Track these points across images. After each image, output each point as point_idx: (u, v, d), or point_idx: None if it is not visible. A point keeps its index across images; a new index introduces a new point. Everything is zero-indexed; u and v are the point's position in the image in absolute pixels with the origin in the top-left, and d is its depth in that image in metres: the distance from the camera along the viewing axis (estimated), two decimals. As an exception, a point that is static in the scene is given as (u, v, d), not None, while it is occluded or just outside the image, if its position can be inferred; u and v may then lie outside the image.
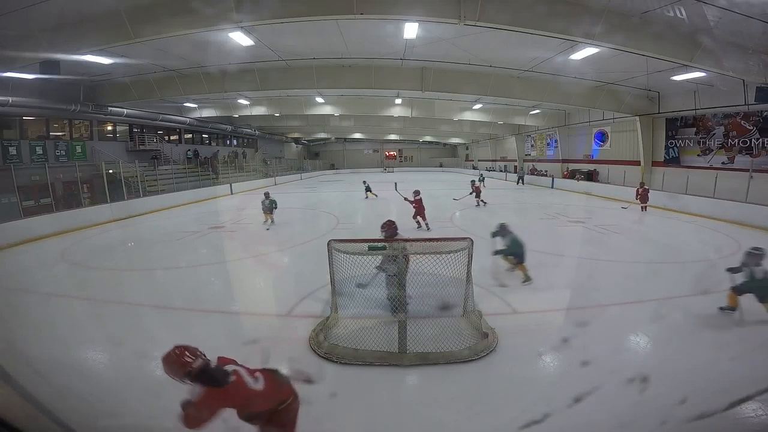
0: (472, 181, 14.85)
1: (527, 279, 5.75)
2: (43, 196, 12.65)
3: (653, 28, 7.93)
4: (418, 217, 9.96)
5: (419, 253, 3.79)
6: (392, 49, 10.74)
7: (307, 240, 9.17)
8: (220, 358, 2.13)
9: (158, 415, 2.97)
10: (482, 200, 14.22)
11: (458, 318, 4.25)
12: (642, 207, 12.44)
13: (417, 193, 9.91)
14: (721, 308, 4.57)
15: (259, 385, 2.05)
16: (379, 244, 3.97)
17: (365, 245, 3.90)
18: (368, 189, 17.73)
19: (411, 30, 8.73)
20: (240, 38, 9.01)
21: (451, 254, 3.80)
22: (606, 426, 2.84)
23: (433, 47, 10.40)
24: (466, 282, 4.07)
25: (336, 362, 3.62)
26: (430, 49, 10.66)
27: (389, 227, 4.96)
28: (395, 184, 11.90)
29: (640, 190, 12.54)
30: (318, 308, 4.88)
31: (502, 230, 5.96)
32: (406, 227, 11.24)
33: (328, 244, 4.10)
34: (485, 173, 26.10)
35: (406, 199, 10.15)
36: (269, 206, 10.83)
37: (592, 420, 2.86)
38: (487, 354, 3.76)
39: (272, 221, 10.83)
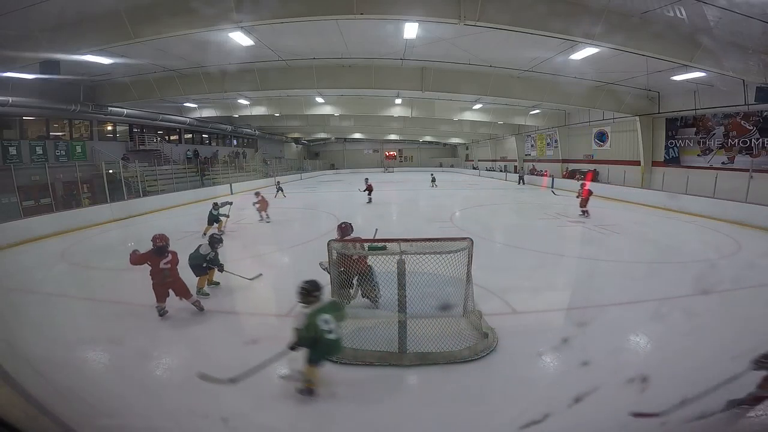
0: (366, 179, 16.76)
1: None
2: (43, 196, 12.65)
3: (653, 28, 7.94)
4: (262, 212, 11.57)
5: (419, 253, 3.78)
6: (392, 49, 10.74)
7: (306, 240, 9.17)
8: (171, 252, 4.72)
9: (158, 414, 2.98)
10: (370, 198, 15.69)
11: (458, 318, 4.24)
12: (582, 210, 11.09)
13: (257, 194, 11.65)
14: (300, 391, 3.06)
15: (163, 265, 4.60)
16: (379, 245, 3.97)
17: (365, 245, 3.91)
18: (280, 189, 17.78)
19: (411, 30, 8.73)
20: (240, 38, 9.01)
21: (451, 254, 3.80)
22: (606, 426, 2.84)
23: (433, 47, 10.40)
24: (466, 282, 4.07)
25: (336, 362, 3.62)
26: (430, 49, 10.66)
27: (343, 230, 5.11)
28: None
29: (583, 190, 10.86)
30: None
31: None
32: (408, 227, 11.30)
33: (328, 244, 4.11)
34: (435, 172, 28.58)
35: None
36: (214, 218, 9.39)
37: (592, 420, 2.86)
38: (487, 354, 3.76)
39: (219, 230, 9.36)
